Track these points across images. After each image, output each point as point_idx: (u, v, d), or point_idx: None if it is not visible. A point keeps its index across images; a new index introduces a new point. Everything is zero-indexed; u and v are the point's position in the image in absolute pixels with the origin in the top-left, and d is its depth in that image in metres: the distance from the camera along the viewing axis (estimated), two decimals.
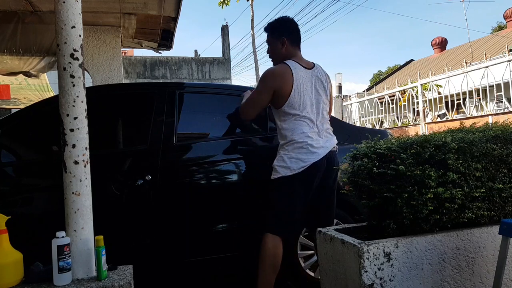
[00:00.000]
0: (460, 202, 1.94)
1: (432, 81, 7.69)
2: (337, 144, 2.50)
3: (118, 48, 5.10)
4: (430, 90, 7.79)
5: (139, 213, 2.55)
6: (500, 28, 25.09)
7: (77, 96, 1.77)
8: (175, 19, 4.76)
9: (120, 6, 4.30)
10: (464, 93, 7.05)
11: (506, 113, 6.19)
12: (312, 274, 2.85)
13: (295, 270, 2.83)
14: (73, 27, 1.77)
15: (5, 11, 4.19)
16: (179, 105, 2.77)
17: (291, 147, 2.35)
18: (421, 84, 7.80)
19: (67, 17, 1.76)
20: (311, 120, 2.39)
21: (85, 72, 1.91)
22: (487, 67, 6.39)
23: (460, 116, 7.58)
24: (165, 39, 5.52)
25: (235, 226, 2.73)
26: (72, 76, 1.77)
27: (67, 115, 1.75)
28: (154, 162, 2.59)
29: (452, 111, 7.27)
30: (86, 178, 1.77)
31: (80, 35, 1.80)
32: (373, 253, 1.82)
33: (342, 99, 10.55)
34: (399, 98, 8.46)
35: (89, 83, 3.81)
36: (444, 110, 8.01)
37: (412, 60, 24.17)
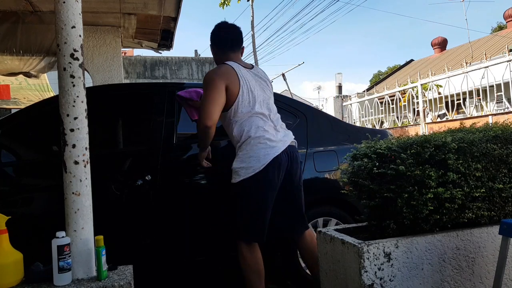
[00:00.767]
0: (460, 202, 1.94)
1: (432, 81, 7.69)
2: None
3: (118, 48, 5.10)
4: (430, 90, 7.79)
5: (139, 213, 2.55)
6: (500, 28, 25.09)
7: (77, 96, 1.77)
8: (175, 19, 4.76)
9: (120, 6, 4.30)
10: (464, 93, 7.06)
11: (506, 113, 6.19)
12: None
13: (295, 270, 2.83)
14: (73, 27, 1.77)
15: (5, 11, 4.19)
16: (179, 105, 2.78)
17: (248, 145, 2.27)
18: (421, 84, 7.80)
19: (67, 17, 1.76)
20: (264, 115, 2.34)
21: (85, 72, 1.91)
22: (487, 67, 6.39)
23: (460, 116, 7.58)
24: (165, 39, 5.52)
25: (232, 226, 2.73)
26: (72, 76, 1.77)
27: (67, 115, 1.75)
28: (154, 162, 2.59)
29: (452, 111, 7.28)
30: (86, 178, 1.77)
31: (80, 35, 1.80)
32: (373, 253, 1.82)
33: (342, 99, 10.56)
34: (399, 98, 8.46)
35: (89, 83, 3.81)
36: (444, 110, 8.01)
37: (412, 60, 24.18)
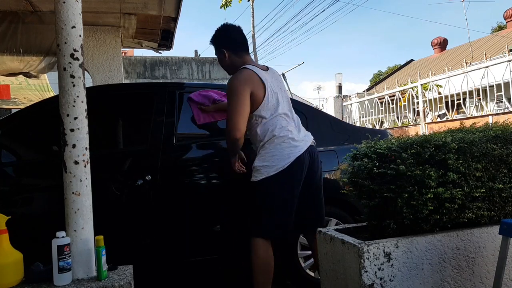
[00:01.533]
0: (460, 202, 1.94)
1: (432, 81, 7.69)
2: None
3: (118, 48, 5.10)
4: (430, 90, 7.79)
5: (139, 213, 2.55)
6: (500, 28, 25.08)
7: (77, 96, 1.77)
8: (175, 19, 4.76)
9: (120, 6, 4.30)
10: (464, 93, 7.05)
11: (506, 113, 6.19)
12: (312, 274, 2.85)
13: (295, 270, 2.83)
14: (73, 27, 1.77)
15: (5, 11, 4.18)
16: (179, 105, 2.77)
17: (272, 144, 2.29)
18: (421, 84, 7.80)
19: (67, 17, 1.76)
20: (287, 115, 2.37)
21: (85, 72, 1.91)
22: (487, 67, 6.39)
23: (460, 116, 7.58)
24: (165, 39, 5.52)
25: (236, 226, 2.73)
26: (72, 76, 1.77)
27: (67, 115, 1.75)
28: (154, 162, 2.59)
29: (452, 111, 7.28)
30: (86, 178, 1.77)
31: (80, 35, 1.80)
32: (373, 253, 1.82)
33: (342, 99, 10.56)
34: (399, 98, 8.46)
35: (89, 83, 3.80)
36: (444, 110, 8.01)
37: (412, 60, 24.17)
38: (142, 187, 2.52)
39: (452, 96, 7.18)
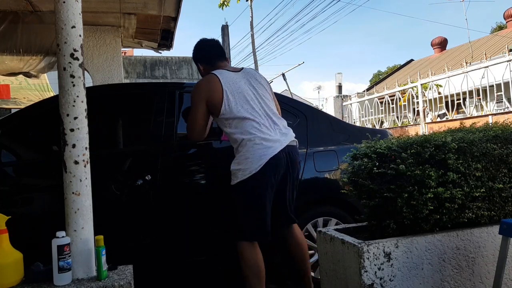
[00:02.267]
0: (460, 202, 1.94)
1: (432, 81, 7.69)
2: (296, 138, 2.44)
3: (118, 48, 5.10)
4: (430, 90, 7.80)
5: (139, 213, 2.55)
6: (500, 28, 25.07)
7: (77, 96, 1.77)
8: (175, 19, 4.76)
9: (120, 6, 4.30)
10: (464, 93, 7.06)
11: (506, 113, 6.19)
12: (312, 274, 2.85)
13: (295, 270, 2.82)
14: (73, 27, 1.77)
15: (5, 11, 4.18)
16: (179, 105, 2.77)
17: (245, 147, 2.27)
18: (421, 84, 7.80)
19: (67, 17, 1.76)
20: (259, 115, 2.34)
21: (85, 72, 1.91)
22: (487, 67, 6.40)
23: (460, 116, 7.58)
24: (165, 39, 5.51)
25: (232, 227, 2.72)
26: (72, 76, 1.77)
27: (67, 115, 1.75)
28: (154, 162, 2.59)
29: (452, 111, 7.28)
30: (86, 178, 1.77)
31: (80, 35, 1.80)
32: (373, 253, 1.82)
33: (342, 99, 10.56)
34: (399, 98, 8.46)
35: (89, 83, 3.80)
36: (444, 110, 8.01)
37: (412, 60, 24.15)
38: (142, 187, 2.52)
39: (452, 96, 7.18)
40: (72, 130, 1.75)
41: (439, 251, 1.93)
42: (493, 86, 6.43)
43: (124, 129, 2.88)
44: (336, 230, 2.21)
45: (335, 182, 2.95)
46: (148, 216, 2.55)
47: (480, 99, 6.91)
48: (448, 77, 7.19)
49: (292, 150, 2.38)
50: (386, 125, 8.93)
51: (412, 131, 7.59)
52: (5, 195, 2.43)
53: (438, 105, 8.50)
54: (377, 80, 27.49)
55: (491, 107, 6.64)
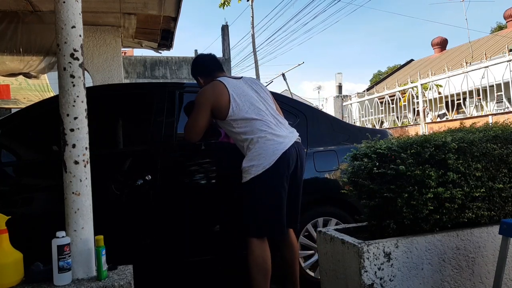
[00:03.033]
0: (460, 202, 1.94)
1: (432, 81, 7.70)
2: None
3: (118, 48, 5.10)
4: (430, 90, 7.80)
5: (139, 213, 2.55)
6: (500, 28, 25.06)
7: (77, 96, 1.77)
8: (175, 19, 4.76)
9: (120, 6, 4.30)
10: (464, 93, 7.06)
11: (506, 113, 6.20)
12: (312, 274, 2.85)
13: None
14: (73, 27, 1.77)
15: (5, 11, 4.18)
16: (179, 105, 2.77)
17: (257, 144, 2.30)
18: (421, 84, 7.80)
19: (67, 17, 1.76)
20: (264, 116, 2.38)
21: (85, 72, 1.91)
22: (487, 67, 6.40)
23: (460, 116, 7.58)
24: (165, 39, 5.52)
25: (236, 225, 2.73)
26: (72, 76, 1.77)
27: (67, 115, 1.75)
28: (154, 162, 2.59)
29: (452, 111, 7.28)
30: (86, 178, 1.77)
31: (80, 35, 1.80)
32: (373, 253, 1.82)
33: (342, 99, 10.56)
34: (399, 98, 8.46)
35: (89, 83, 3.80)
36: (444, 110, 8.02)
37: (412, 60, 24.15)
38: (142, 187, 2.52)
39: (452, 96, 7.18)
40: (72, 130, 1.75)
41: (439, 251, 1.93)
42: (493, 86, 6.43)
43: (124, 129, 2.88)
44: (336, 230, 2.21)
45: (335, 182, 2.95)
46: (148, 216, 2.55)
47: (480, 99, 6.92)
48: (448, 77, 7.19)
49: (299, 146, 2.43)
50: (386, 125, 8.93)
51: (412, 131, 7.59)
52: (5, 195, 2.43)
53: (438, 105, 8.50)
54: (377, 80, 27.48)
55: (491, 107, 6.64)
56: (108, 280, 1.70)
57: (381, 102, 9.09)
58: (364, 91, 13.82)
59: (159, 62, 13.75)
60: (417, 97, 7.97)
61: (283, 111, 2.73)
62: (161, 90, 2.81)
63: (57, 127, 1.78)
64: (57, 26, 1.77)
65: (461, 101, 7.06)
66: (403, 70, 22.58)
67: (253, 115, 2.36)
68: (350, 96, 10.60)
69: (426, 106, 7.83)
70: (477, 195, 1.97)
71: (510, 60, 6.06)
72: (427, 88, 7.87)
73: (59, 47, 1.77)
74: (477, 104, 7.10)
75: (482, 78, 6.48)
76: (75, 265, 1.73)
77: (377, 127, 8.90)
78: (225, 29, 15.92)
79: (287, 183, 2.34)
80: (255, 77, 12.69)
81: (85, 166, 1.77)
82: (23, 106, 7.47)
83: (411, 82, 8.14)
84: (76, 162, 1.75)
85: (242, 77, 2.63)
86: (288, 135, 2.39)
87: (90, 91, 1.93)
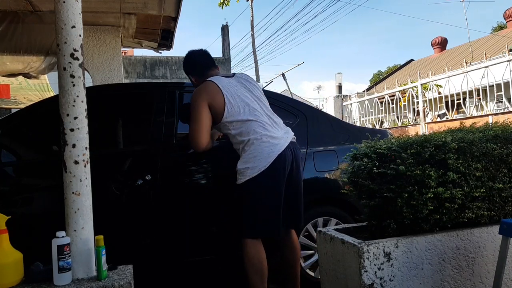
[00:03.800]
0: (460, 202, 1.94)
1: (432, 81, 7.69)
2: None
3: (118, 48, 5.10)
4: (430, 90, 7.79)
5: (139, 213, 2.55)
6: (500, 28, 25.06)
7: (77, 96, 1.77)
8: (175, 19, 4.76)
9: (120, 6, 4.30)
10: (464, 93, 7.06)
11: (506, 113, 6.20)
12: (312, 274, 2.85)
13: None
14: (73, 27, 1.77)
15: (5, 11, 4.18)
16: (179, 105, 2.77)
17: (252, 146, 2.29)
18: (421, 84, 7.80)
19: (67, 17, 1.76)
20: (259, 117, 2.37)
21: (85, 72, 1.91)
22: (487, 67, 6.40)
23: (460, 116, 7.58)
24: (165, 39, 5.51)
25: (236, 225, 2.72)
26: (72, 76, 1.77)
27: (67, 115, 1.75)
28: (154, 162, 2.59)
29: (452, 111, 7.28)
30: (86, 178, 1.77)
31: (80, 35, 1.80)
32: (373, 253, 1.82)
33: (342, 99, 10.56)
34: (399, 98, 8.46)
35: (89, 83, 3.81)
36: (444, 110, 8.02)
37: (412, 60, 24.14)
38: (142, 187, 2.52)
39: (452, 96, 7.18)
40: (72, 130, 1.75)
41: (439, 251, 1.93)
42: (493, 86, 6.43)
43: (124, 129, 2.88)
44: (336, 230, 2.21)
45: (335, 182, 2.95)
46: (148, 216, 2.55)
47: (480, 99, 6.91)
48: (448, 77, 7.19)
49: (295, 146, 2.42)
50: (386, 125, 8.93)
51: (412, 131, 7.59)
52: (5, 195, 2.43)
53: (438, 105, 8.50)
54: (377, 80, 27.48)
55: (491, 107, 6.64)
56: (108, 280, 1.70)
57: (381, 102, 9.09)
58: (364, 91, 13.81)
59: (159, 62, 13.75)
60: (417, 97, 7.97)
61: (283, 111, 2.74)
62: (161, 90, 2.81)
63: (57, 127, 1.78)
64: (57, 26, 1.77)
65: (461, 101, 7.06)
66: (403, 70, 22.58)
67: (248, 116, 2.35)
68: (350, 96, 10.60)
69: (426, 106, 7.83)
70: (477, 195, 1.97)
71: (510, 60, 6.06)
72: (427, 88, 7.87)
73: (59, 47, 1.77)
74: (477, 104, 7.10)
75: (482, 78, 6.48)
76: (75, 265, 1.73)
77: (377, 127, 8.90)
78: (225, 29, 15.91)
79: (283, 185, 2.33)
80: (255, 77, 12.69)
81: (85, 166, 1.77)
82: (23, 106, 7.47)
83: (411, 82, 8.13)
84: (76, 162, 1.75)
85: (234, 74, 2.61)
86: (283, 136, 2.37)
87: (90, 91, 1.93)
